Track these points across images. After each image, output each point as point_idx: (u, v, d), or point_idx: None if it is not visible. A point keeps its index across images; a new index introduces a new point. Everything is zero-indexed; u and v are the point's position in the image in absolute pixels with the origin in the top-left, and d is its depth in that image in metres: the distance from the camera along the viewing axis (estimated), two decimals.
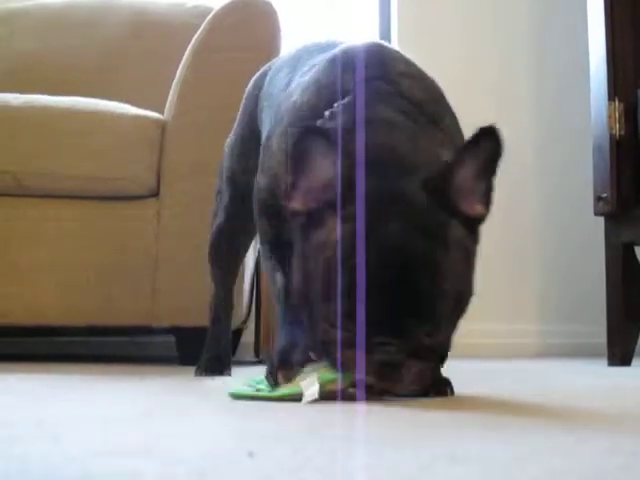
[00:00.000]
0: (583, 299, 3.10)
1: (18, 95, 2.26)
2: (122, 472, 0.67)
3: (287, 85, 1.49)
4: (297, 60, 1.55)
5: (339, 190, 1.13)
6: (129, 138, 2.21)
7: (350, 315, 1.09)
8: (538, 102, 3.26)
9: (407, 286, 1.09)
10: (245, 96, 1.78)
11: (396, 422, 1.02)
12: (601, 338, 2.40)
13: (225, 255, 1.86)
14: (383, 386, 1.14)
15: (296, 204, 1.18)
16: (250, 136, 1.70)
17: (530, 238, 3.20)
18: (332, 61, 1.35)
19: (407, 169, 1.16)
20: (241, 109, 1.79)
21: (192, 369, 1.79)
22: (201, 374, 1.76)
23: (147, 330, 1.92)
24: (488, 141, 1.15)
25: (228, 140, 1.83)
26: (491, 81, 3.26)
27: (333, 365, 1.15)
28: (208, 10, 2.64)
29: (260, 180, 1.40)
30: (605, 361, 2.34)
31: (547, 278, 3.23)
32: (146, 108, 2.29)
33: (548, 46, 3.32)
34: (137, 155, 2.20)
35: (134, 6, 2.99)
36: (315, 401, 1.14)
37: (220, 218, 1.83)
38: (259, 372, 1.41)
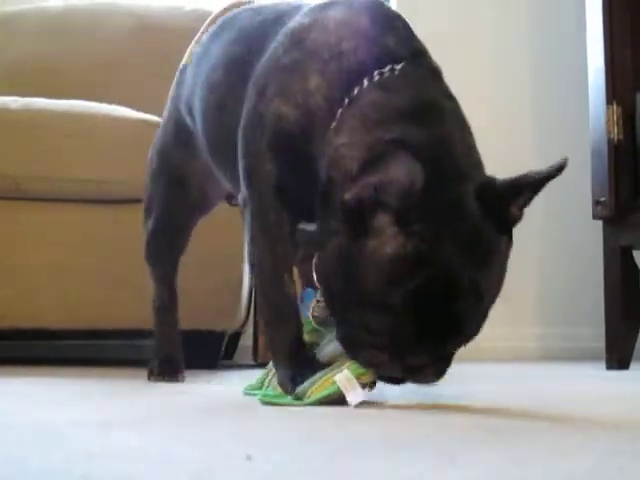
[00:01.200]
0: (582, 302, 3.10)
1: (17, 98, 2.26)
2: (122, 475, 0.67)
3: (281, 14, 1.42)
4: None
5: (399, 196, 1.08)
6: (128, 141, 2.21)
7: (390, 331, 1.11)
8: (536, 106, 3.26)
9: (452, 314, 1.11)
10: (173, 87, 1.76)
11: (395, 426, 1.02)
12: (599, 342, 2.41)
13: (164, 254, 1.79)
14: (408, 381, 1.18)
15: (351, 196, 1.11)
16: (180, 121, 1.67)
17: (529, 241, 3.20)
18: (370, 12, 1.30)
19: (465, 173, 1.14)
20: (169, 99, 1.76)
21: (191, 373, 1.79)
22: (156, 379, 1.70)
23: (146, 333, 1.92)
24: (551, 173, 1.16)
25: (157, 131, 1.80)
26: (489, 86, 3.27)
27: (360, 364, 1.17)
28: (207, 14, 2.64)
29: (281, 107, 1.27)
30: (603, 364, 2.34)
31: (546, 281, 3.23)
32: (145, 111, 2.30)
33: (546, 50, 3.32)
34: (136, 158, 2.19)
35: (133, 10, 2.99)
36: (361, 403, 1.16)
37: (154, 215, 1.76)
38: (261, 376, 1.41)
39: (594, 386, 1.80)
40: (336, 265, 1.15)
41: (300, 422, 1.04)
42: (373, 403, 1.23)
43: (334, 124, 1.21)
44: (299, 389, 1.20)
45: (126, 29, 2.92)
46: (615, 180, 2.31)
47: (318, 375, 1.20)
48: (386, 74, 1.22)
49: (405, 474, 0.69)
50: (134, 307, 2.15)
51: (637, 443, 0.90)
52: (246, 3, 2.29)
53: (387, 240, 1.09)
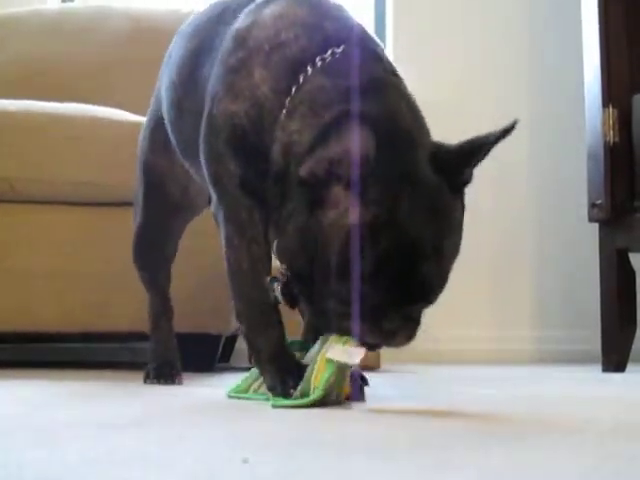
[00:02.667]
0: (578, 305, 3.10)
1: (13, 101, 2.26)
2: (119, 478, 0.67)
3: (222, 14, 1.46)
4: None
5: (356, 167, 1.11)
6: (124, 144, 2.20)
7: (363, 297, 1.13)
8: (533, 109, 3.27)
9: (418, 276, 1.13)
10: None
11: (391, 429, 1.02)
12: (596, 344, 2.41)
13: (151, 256, 1.79)
14: (385, 345, 1.20)
15: (306, 171, 1.14)
16: (159, 123, 1.69)
17: (525, 244, 3.21)
18: (305, 3, 1.34)
19: (414, 139, 1.18)
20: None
21: (187, 375, 1.79)
22: (152, 382, 1.69)
23: (143, 336, 1.92)
24: (502, 134, 1.18)
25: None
26: (485, 89, 3.27)
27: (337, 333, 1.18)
28: None
29: (230, 106, 1.30)
30: (600, 367, 2.35)
31: (542, 284, 3.23)
32: (141, 114, 2.29)
33: (543, 53, 3.32)
34: (132, 161, 2.19)
35: (129, 13, 2.99)
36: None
37: (139, 217, 1.78)
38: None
39: (591, 389, 1.80)
40: (298, 243, 1.17)
41: (297, 424, 1.04)
42: (371, 405, 1.24)
43: (284, 112, 1.24)
44: (299, 389, 1.20)
45: (122, 32, 2.92)
46: (611, 183, 2.31)
47: (309, 369, 1.20)
48: (328, 59, 1.25)
49: (402, 476, 0.69)
50: (130, 310, 2.15)
51: (634, 446, 0.90)
52: None
53: (345, 211, 1.12)
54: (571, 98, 3.05)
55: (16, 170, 2.19)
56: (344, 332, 1.17)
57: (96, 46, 2.90)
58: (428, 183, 1.15)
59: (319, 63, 1.25)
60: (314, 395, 1.17)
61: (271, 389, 1.26)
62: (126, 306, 2.17)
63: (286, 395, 1.22)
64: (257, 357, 1.30)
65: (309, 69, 1.25)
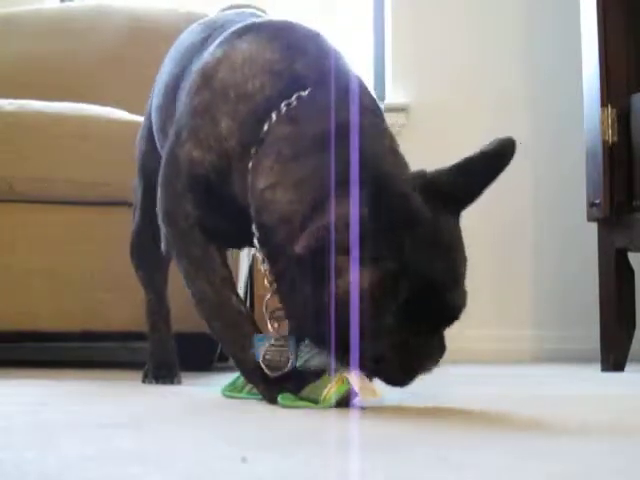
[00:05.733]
0: (577, 304, 3.10)
1: (12, 100, 2.26)
2: (117, 478, 0.67)
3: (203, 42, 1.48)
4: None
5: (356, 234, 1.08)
6: (123, 143, 2.20)
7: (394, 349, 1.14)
8: (532, 108, 3.27)
9: (444, 304, 1.14)
10: None
11: (389, 428, 1.02)
12: (594, 344, 2.41)
13: (147, 256, 1.79)
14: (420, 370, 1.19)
15: (303, 248, 1.11)
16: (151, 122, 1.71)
17: (523, 243, 3.21)
18: (279, 38, 1.30)
19: (401, 181, 1.13)
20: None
21: (186, 375, 1.79)
22: (150, 382, 1.69)
23: (142, 336, 1.92)
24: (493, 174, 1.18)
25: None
26: (483, 88, 3.27)
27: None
28: (201, 16, 2.64)
29: (193, 152, 1.29)
30: (599, 366, 2.35)
31: (541, 284, 3.23)
32: (140, 113, 2.29)
33: (541, 52, 3.33)
34: (131, 160, 2.19)
35: (129, 12, 3.00)
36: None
37: (136, 217, 1.79)
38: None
39: (590, 388, 1.80)
40: (312, 311, 1.13)
41: (295, 423, 1.04)
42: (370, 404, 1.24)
43: (250, 164, 1.23)
44: (306, 391, 1.19)
45: (121, 31, 2.92)
46: (610, 182, 2.31)
47: (323, 379, 1.19)
48: (293, 104, 1.23)
49: (399, 476, 0.69)
50: (128, 309, 2.15)
51: (633, 445, 0.90)
52: (244, 6, 2.29)
53: (356, 281, 1.09)
54: (570, 97, 3.05)
55: (15, 169, 2.19)
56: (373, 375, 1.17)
57: (95, 45, 2.90)
58: (425, 219, 1.11)
59: (284, 109, 1.22)
60: (324, 404, 1.17)
61: (264, 398, 1.26)
62: (124, 306, 2.17)
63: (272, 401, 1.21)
64: (244, 372, 1.30)
65: (273, 117, 1.23)
